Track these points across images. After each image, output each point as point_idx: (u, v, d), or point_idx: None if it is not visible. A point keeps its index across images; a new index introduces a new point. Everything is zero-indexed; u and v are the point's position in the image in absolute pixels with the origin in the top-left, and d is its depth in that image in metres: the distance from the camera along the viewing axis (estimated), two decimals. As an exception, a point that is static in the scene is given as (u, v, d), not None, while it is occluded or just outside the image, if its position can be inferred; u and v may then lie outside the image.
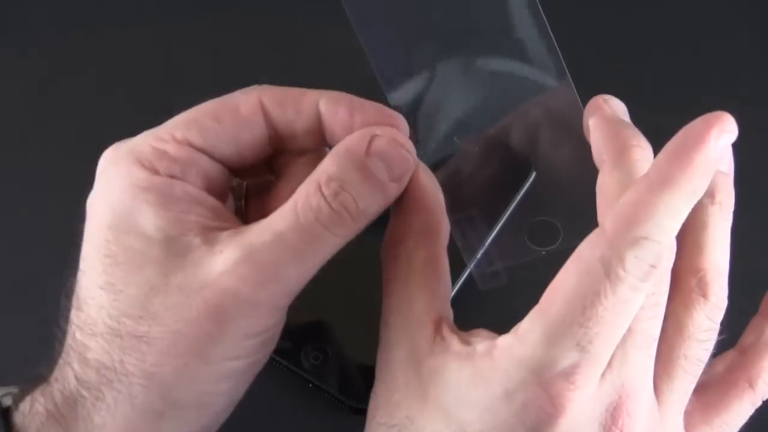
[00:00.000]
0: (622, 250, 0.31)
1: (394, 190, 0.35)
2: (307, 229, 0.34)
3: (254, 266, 0.34)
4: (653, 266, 0.31)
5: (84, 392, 0.35)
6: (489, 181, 0.51)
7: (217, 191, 0.37)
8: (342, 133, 0.36)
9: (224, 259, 0.34)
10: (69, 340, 0.36)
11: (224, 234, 0.35)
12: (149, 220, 0.35)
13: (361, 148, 0.35)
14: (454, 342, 0.34)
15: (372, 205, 0.35)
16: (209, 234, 0.35)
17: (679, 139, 0.33)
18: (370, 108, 0.36)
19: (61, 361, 0.37)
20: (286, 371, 0.48)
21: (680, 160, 0.32)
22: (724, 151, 0.32)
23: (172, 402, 0.35)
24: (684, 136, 0.32)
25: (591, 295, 0.31)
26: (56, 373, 0.36)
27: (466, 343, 0.34)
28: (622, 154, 0.35)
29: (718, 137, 0.32)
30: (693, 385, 0.34)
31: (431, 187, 0.36)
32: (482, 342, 0.33)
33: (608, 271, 0.31)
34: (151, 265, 0.35)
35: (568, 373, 0.31)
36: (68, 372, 0.36)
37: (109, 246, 0.35)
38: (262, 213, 0.36)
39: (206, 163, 0.37)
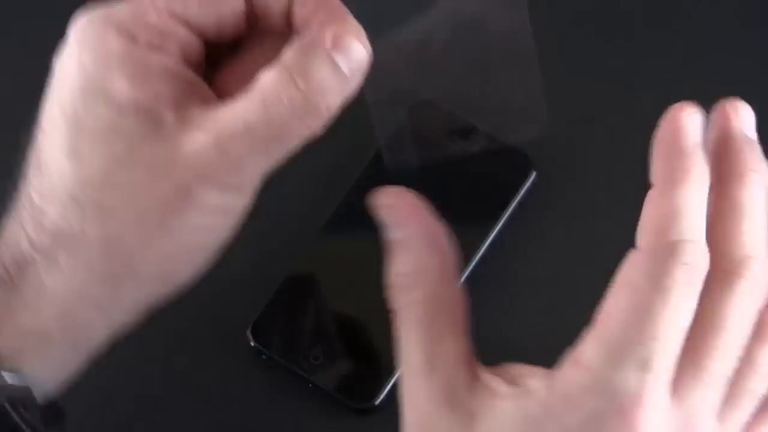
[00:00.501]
0: (663, 259, 0.32)
1: (353, 84, 0.36)
2: (278, 122, 0.35)
3: (223, 154, 0.35)
4: (696, 266, 0.32)
5: (36, 256, 0.35)
6: (490, 181, 0.51)
7: (194, 65, 0.37)
8: (309, 21, 0.37)
9: (194, 141, 0.35)
10: (25, 203, 0.36)
11: (197, 112, 0.35)
12: (123, 90, 0.35)
13: (329, 42, 0.36)
14: (497, 383, 0.33)
15: (339, 98, 0.36)
16: (182, 110, 0.35)
17: (660, 140, 0.35)
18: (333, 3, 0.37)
19: (13, 221, 0.36)
20: (286, 371, 0.48)
21: (672, 155, 0.34)
22: (698, 129, 0.34)
23: (131, 271, 0.36)
24: (663, 134, 0.35)
25: (645, 312, 0.31)
26: (6, 234, 0.36)
27: (513, 383, 0.33)
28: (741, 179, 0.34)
29: (689, 118, 0.34)
30: (752, 410, 0.34)
31: (438, 225, 0.37)
32: (533, 379, 0.33)
33: (656, 284, 0.31)
34: (120, 137, 0.35)
35: (637, 394, 0.31)
36: (20, 234, 0.36)
37: (78, 111, 0.35)
38: (227, 88, 0.37)
39: (185, 35, 0.37)
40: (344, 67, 0.36)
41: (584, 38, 0.58)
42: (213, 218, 0.37)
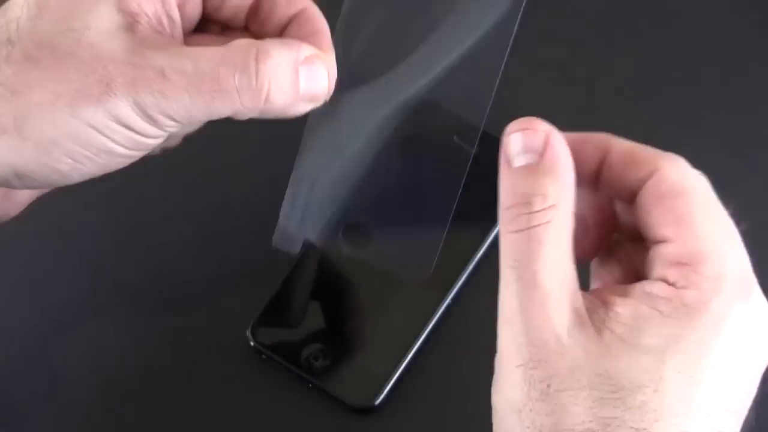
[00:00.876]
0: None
1: (299, 107, 0.39)
2: (220, 80, 0.37)
3: (160, 77, 0.37)
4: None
5: None
6: (491, 181, 0.51)
7: (186, 18, 0.41)
8: (298, 32, 0.41)
9: (143, 55, 0.37)
10: None
11: (162, 40, 0.39)
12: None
13: (304, 55, 0.39)
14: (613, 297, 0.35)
15: (277, 105, 0.38)
16: (150, 32, 0.39)
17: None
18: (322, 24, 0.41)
19: None
20: (286, 371, 0.48)
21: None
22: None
23: (18, 129, 0.37)
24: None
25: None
26: None
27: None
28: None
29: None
30: None
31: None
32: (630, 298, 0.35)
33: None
34: (86, 6, 0.38)
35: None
36: None
37: None
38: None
39: None
40: (302, 84, 0.39)
41: (584, 39, 0.58)
42: (114, 132, 0.38)
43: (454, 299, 0.49)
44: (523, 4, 0.41)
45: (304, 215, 0.43)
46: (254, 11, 0.42)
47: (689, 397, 0.34)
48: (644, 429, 0.33)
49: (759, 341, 0.35)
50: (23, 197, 0.43)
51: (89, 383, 0.49)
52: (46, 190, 0.44)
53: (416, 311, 0.47)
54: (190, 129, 0.43)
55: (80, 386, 0.48)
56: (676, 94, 0.56)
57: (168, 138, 0.40)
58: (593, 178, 0.37)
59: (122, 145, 0.38)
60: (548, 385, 0.34)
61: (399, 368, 0.48)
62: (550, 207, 0.35)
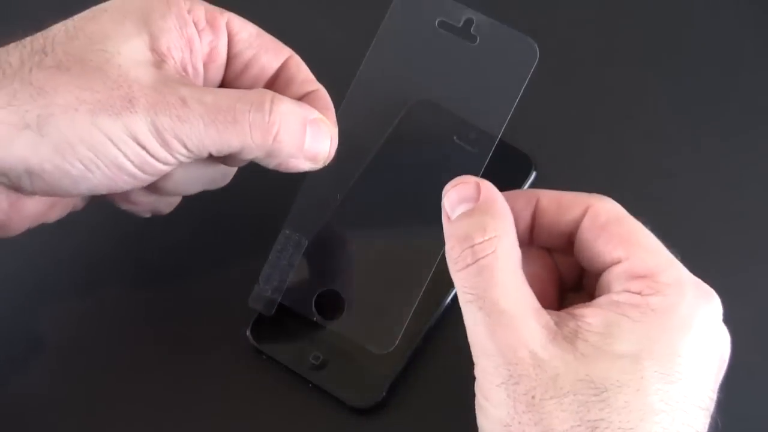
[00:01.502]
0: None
1: (300, 162, 0.43)
2: (235, 116, 0.40)
3: (181, 104, 0.40)
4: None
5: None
6: (490, 181, 0.51)
7: (215, 64, 0.45)
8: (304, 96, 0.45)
9: (167, 83, 0.40)
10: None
11: (184, 79, 0.42)
12: (159, 27, 0.42)
13: (313, 116, 0.43)
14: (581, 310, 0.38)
15: (283, 147, 0.42)
16: (174, 70, 0.42)
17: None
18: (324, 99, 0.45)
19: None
20: (286, 371, 0.48)
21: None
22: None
23: (39, 126, 0.38)
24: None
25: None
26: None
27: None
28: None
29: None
30: None
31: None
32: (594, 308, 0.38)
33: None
34: (121, 38, 0.41)
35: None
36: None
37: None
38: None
39: (222, 46, 0.44)
40: (307, 140, 0.42)
41: (585, 40, 0.58)
42: (128, 147, 0.40)
43: (453, 299, 0.49)
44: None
45: (281, 280, 0.46)
46: (270, 86, 0.45)
47: (668, 396, 0.35)
48: (630, 429, 0.35)
49: (720, 341, 0.38)
50: (30, 210, 0.43)
51: (88, 383, 0.49)
52: (50, 220, 0.45)
53: (416, 312, 0.47)
54: (189, 179, 0.45)
55: (78, 386, 0.48)
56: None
57: (170, 181, 0.43)
58: (529, 230, 0.40)
59: (132, 162, 0.40)
60: (533, 396, 0.35)
61: (399, 368, 0.48)
62: (492, 238, 0.37)
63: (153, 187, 0.44)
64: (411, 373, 0.48)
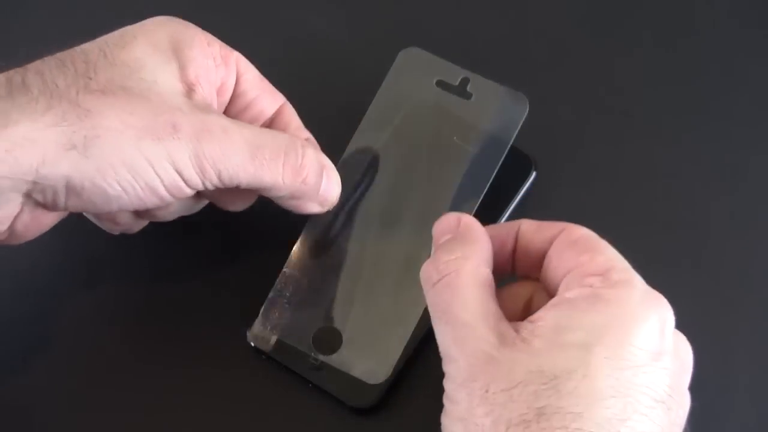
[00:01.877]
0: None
1: (312, 205, 0.47)
2: (272, 153, 0.44)
3: (223, 133, 0.43)
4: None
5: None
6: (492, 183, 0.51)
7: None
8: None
9: (208, 114, 0.43)
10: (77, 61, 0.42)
11: (214, 109, 0.45)
12: (192, 62, 0.44)
13: (327, 163, 0.47)
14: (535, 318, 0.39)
15: (308, 190, 0.46)
16: (206, 104, 0.44)
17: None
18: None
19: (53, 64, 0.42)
20: (286, 371, 0.48)
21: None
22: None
23: (84, 147, 0.40)
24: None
25: None
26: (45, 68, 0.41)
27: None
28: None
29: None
30: None
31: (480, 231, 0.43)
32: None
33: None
34: (155, 67, 0.43)
35: None
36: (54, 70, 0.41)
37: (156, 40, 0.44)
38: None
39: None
40: (323, 184, 0.47)
41: (585, 39, 0.58)
42: (166, 173, 0.42)
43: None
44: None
45: (280, 317, 0.48)
46: (267, 126, 0.48)
47: (618, 382, 0.36)
48: (580, 413, 0.36)
49: (678, 344, 0.39)
50: (46, 222, 0.44)
51: (87, 382, 0.49)
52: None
53: (416, 311, 0.47)
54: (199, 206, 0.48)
55: (77, 386, 0.48)
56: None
57: (169, 208, 0.46)
58: (511, 256, 0.43)
59: (165, 188, 0.42)
60: (486, 390, 0.37)
61: (399, 368, 0.48)
62: (457, 258, 0.40)
63: (145, 212, 0.46)
64: (411, 373, 0.48)
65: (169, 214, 0.47)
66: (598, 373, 0.36)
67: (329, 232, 0.49)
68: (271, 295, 0.48)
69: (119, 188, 0.41)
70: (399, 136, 0.50)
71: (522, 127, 0.50)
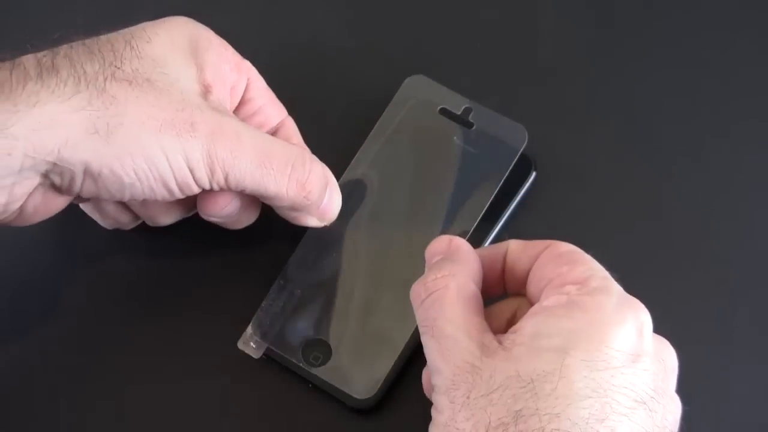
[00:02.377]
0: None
1: (311, 219, 0.48)
2: (280, 164, 0.45)
3: (236, 143, 0.44)
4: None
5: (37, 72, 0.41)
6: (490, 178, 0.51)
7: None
8: None
9: (226, 117, 0.44)
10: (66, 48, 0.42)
11: (229, 112, 0.46)
12: (211, 64, 0.46)
13: (332, 180, 0.49)
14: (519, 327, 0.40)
15: (310, 203, 0.47)
16: (222, 105, 0.45)
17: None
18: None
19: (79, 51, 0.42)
20: (286, 371, 0.48)
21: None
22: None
23: (107, 133, 0.41)
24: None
25: None
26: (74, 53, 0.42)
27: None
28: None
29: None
30: None
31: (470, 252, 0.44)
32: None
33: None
34: (177, 66, 0.44)
35: None
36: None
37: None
38: None
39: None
40: (324, 199, 0.48)
41: (586, 38, 0.58)
42: (178, 168, 0.43)
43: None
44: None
45: (272, 326, 0.48)
46: (272, 134, 0.49)
47: (596, 383, 0.37)
48: (557, 414, 0.36)
49: (659, 346, 0.40)
50: (54, 207, 0.45)
51: (88, 382, 0.49)
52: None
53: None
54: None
55: (77, 386, 0.48)
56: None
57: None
58: (501, 275, 0.44)
59: (176, 180, 0.43)
60: (467, 397, 0.38)
61: (398, 368, 0.48)
62: (444, 276, 0.41)
63: (145, 213, 0.47)
64: (410, 373, 0.48)
65: (169, 218, 0.48)
66: (575, 374, 0.37)
67: (326, 247, 0.50)
68: (263, 304, 0.49)
69: (134, 176, 0.42)
70: (399, 158, 0.51)
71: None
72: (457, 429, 0.37)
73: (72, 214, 0.48)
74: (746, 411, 0.48)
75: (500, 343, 0.39)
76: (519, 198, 0.52)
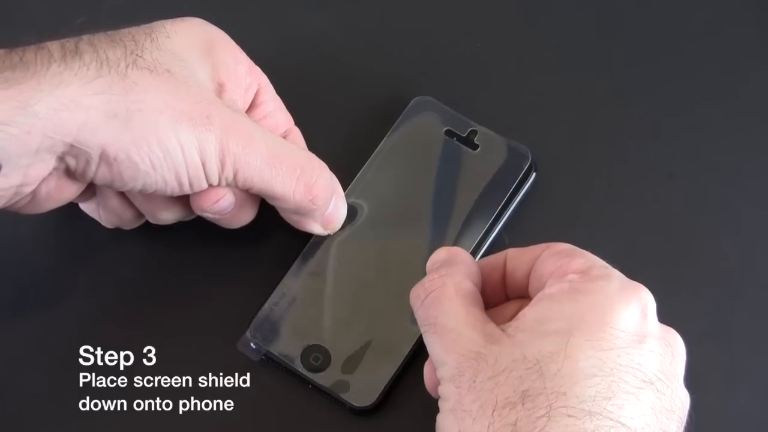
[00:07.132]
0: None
1: (314, 225, 0.49)
2: (289, 167, 0.46)
3: (248, 140, 0.44)
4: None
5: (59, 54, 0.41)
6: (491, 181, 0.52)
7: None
8: None
9: (239, 115, 0.45)
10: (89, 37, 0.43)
11: (241, 110, 0.47)
12: (226, 63, 0.47)
13: (339, 189, 0.50)
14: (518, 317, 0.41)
15: (315, 209, 0.48)
16: (235, 103, 0.47)
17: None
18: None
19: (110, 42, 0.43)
20: (286, 372, 0.48)
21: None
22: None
23: (126, 117, 0.41)
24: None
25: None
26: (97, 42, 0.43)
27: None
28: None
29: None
30: None
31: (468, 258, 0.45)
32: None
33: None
34: (194, 62, 0.45)
35: None
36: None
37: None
38: None
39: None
40: (330, 207, 0.49)
41: (585, 38, 0.58)
42: (191, 159, 0.43)
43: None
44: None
45: (273, 330, 0.48)
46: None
47: (601, 362, 0.38)
48: (564, 392, 0.37)
49: (666, 334, 0.40)
50: (66, 194, 0.45)
51: (87, 382, 0.49)
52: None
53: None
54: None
55: (76, 386, 0.48)
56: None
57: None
58: (501, 282, 0.44)
59: (188, 173, 0.44)
60: (474, 381, 0.39)
61: (398, 369, 0.48)
62: (441, 276, 0.42)
63: (148, 211, 0.47)
64: (410, 373, 0.48)
65: (170, 216, 0.48)
66: (580, 354, 0.38)
67: (329, 255, 0.50)
68: (264, 307, 0.49)
69: (149, 164, 0.42)
70: (403, 175, 0.52)
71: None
72: (465, 411, 0.38)
73: (72, 214, 0.49)
74: (747, 409, 0.48)
75: (503, 331, 0.40)
76: (519, 198, 0.52)
